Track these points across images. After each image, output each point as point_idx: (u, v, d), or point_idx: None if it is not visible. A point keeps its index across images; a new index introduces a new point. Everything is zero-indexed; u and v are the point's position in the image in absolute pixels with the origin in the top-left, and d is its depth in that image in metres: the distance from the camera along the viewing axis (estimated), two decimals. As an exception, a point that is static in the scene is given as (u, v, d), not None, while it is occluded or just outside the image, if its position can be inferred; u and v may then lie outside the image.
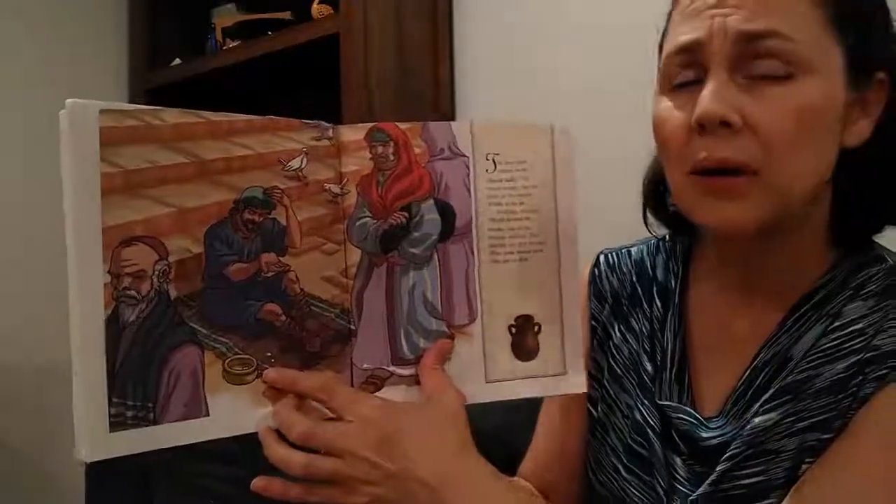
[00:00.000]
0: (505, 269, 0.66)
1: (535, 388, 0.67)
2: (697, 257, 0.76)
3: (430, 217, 0.65)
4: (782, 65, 0.59)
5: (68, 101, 0.52)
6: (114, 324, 0.54)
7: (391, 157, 0.65)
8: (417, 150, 0.65)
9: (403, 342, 0.65)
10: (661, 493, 0.68)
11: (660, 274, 0.77)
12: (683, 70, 0.63)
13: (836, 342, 0.63)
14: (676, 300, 0.74)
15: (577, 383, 0.68)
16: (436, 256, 0.66)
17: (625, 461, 0.73)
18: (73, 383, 0.53)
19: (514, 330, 0.67)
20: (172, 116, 0.57)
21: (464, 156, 0.66)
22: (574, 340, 0.68)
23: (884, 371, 0.60)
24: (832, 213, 0.66)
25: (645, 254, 0.80)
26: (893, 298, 0.63)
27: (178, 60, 1.88)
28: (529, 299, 0.67)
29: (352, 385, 0.64)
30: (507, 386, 0.66)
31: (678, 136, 0.62)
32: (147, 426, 0.55)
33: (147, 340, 0.55)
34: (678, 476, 0.68)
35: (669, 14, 0.67)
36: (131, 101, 1.88)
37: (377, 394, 0.64)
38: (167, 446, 0.56)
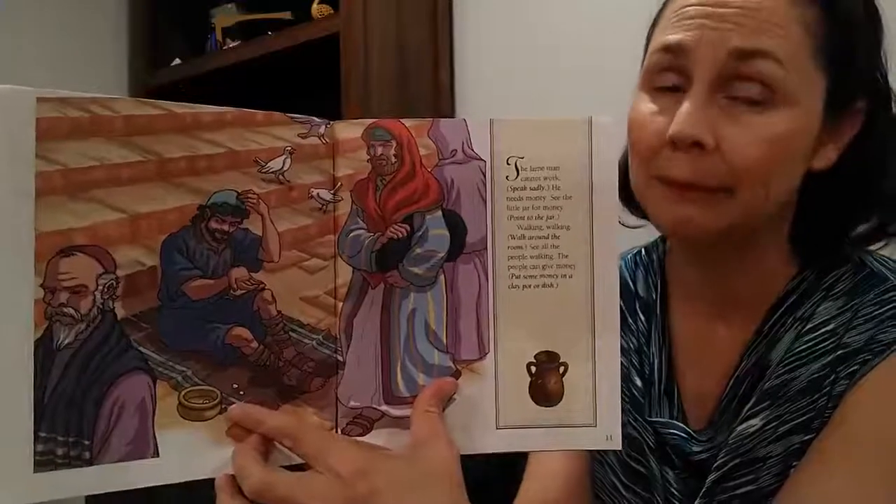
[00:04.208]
0: (525, 296, 0.55)
1: (555, 439, 0.56)
2: (672, 269, 0.76)
3: (437, 231, 0.55)
4: (767, 92, 0.58)
5: (-2, 86, 0.45)
6: (45, 346, 0.47)
7: (392, 160, 0.55)
8: (424, 152, 0.55)
9: (399, 377, 0.55)
10: None
11: (640, 288, 0.76)
12: (666, 71, 0.62)
13: (809, 344, 0.64)
14: (658, 313, 0.74)
15: (609, 437, 0.56)
16: (442, 278, 0.55)
17: (623, 479, 0.72)
18: None
19: (533, 369, 0.56)
20: (125, 107, 0.48)
21: (480, 159, 0.55)
22: (609, 385, 0.56)
23: (855, 367, 0.61)
24: (794, 228, 0.67)
25: (624, 269, 0.78)
26: (862, 296, 0.63)
27: (178, 60, 1.88)
28: (554, 334, 0.55)
29: (335, 426, 0.54)
30: (521, 435, 0.55)
31: (651, 143, 0.62)
32: (81, 467, 0.47)
33: (86, 367, 0.48)
34: (673, 491, 0.68)
35: (664, 6, 0.66)
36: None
37: (362, 438, 0.54)
38: (106, 491, 0.48)
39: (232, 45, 1.78)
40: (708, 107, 0.59)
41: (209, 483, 0.51)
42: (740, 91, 0.59)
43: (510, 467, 0.81)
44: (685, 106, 0.59)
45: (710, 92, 0.59)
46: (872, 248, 0.68)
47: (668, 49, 0.61)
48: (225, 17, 1.83)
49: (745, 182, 0.59)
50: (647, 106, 0.63)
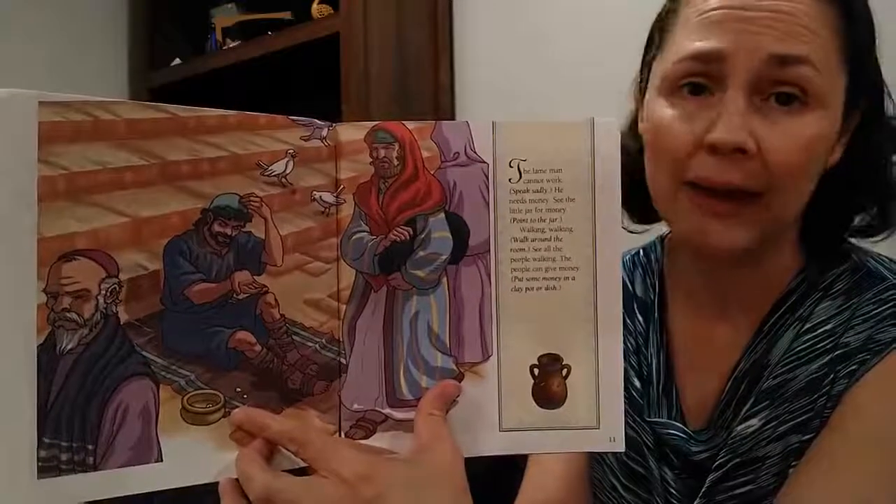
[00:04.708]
0: (528, 298, 0.55)
1: (558, 441, 0.56)
2: (672, 270, 0.75)
3: (440, 234, 0.55)
4: (802, 95, 0.58)
5: (0, 90, 0.45)
6: (48, 351, 0.46)
7: (395, 162, 0.55)
8: (427, 154, 0.55)
9: (402, 380, 0.55)
10: None
11: (638, 289, 0.77)
12: (693, 77, 0.61)
13: (807, 344, 0.64)
14: (657, 315, 0.74)
15: (612, 439, 0.56)
16: (444, 280, 0.55)
17: (622, 479, 0.72)
18: None
19: (536, 372, 0.55)
20: (128, 110, 0.48)
21: (482, 161, 0.55)
22: (612, 388, 0.56)
23: (853, 367, 0.61)
24: (803, 227, 0.68)
25: (622, 269, 0.77)
26: (860, 295, 0.64)
27: (178, 60, 1.88)
28: (557, 336, 0.55)
29: (339, 429, 0.54)
30: (524, 437, 0.55)
31: (683, 148, 0.61)
32: (85, 472, 0.47)
33: (89, 372, 0.47)
34: (672, 491, 0.68)
35: (672, 8, 0.65)
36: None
37: (365, 441, 0.54)
38: (110, 496, 0.48)
39: (232, 45, 1.78)
40: (746, 112, 0.58)
41: (210, 487, 0.51)
42: (776, 95, 0.59)
43: (510, 468, 0.81)
44: (726, 114, 0.58)
45: (747, 96, 0.59)
46: (871, 244, 0.69)
47: (699, 57, 0.60)
48: (225, 17, 1.83)
49: (783, 184, 0.59)
50: (670, 111, 0.62)
